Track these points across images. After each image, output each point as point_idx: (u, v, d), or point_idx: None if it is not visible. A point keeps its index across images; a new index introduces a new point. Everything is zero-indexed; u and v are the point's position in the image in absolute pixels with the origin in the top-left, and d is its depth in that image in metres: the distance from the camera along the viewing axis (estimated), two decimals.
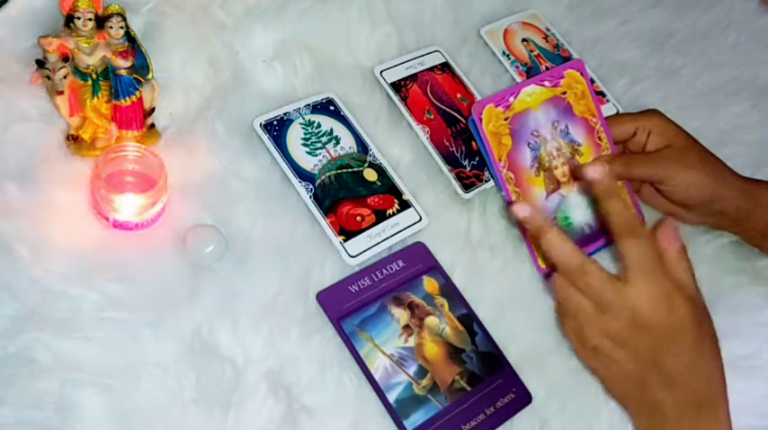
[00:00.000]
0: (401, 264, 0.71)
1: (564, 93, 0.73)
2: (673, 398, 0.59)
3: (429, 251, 0.73)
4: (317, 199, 0.72)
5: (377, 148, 0.77)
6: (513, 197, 0.71)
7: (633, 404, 0.63)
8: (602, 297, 0.59)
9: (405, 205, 0.74)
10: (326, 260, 0.70)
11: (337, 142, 0.76)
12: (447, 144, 0.79)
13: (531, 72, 0.87)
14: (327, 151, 0.75)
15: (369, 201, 0.73)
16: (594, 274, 0.59)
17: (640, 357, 0.59)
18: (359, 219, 0.72)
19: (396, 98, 0.80)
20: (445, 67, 0.84)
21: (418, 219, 0.74)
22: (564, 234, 0.61)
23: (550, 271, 0.72)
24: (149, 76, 0.68)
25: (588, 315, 0.60)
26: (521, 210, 0.62)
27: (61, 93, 0.66)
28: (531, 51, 0.89)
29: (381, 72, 0.82)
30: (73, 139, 0.68)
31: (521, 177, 0.72)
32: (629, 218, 0.60)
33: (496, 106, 0.71)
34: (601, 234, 0.74)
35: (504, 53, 0.88)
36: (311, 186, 0.72)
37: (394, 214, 0.73)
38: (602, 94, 0.88)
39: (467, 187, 0.77)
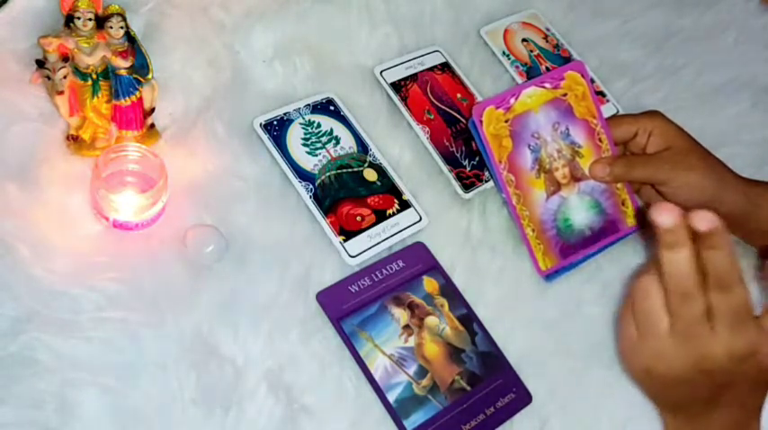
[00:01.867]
0: (401, 264, 0.71)
1: (564, 94, 0.73)
2: (726, 420, 0.59)
3: (429, 251, 0.73)
4: (317, 199, 0.72)
5: (377, 148, 0.77)
6: (514, 199, 0.71)
7: (669, 410, 0.63)
8: (687, 330, 0.56)
9: (405, 205, 0.74)
10: (326, 260, 0.70)
11: (337, 142, 0.76)
12: (447, 144, 0.79)
13: (531, 72, 0.87)
14: (327, 151, 0.75)
15: (369, 201, 0.73)
16: (696, 309, 0.55)
17: (694, 389, 0.59)
18: (359, 219, 0.72)
19: (396, 98, 0.80)
20: (445, 67, 0.84)
21: (418, 219, 0.74)
22: (694, 257, 0.54)
23: (550, 273, 0.72)
24: (149, 76, 0.68)
25: (658, 338, 0.57)
26: (664, 219, 0.54)
27: (61, 93, 0.66)
28: (531, 51, 0.89)
29: (381, 72, 0.82)
30: (73, 139, 0.68)
31: (521, 179, 0.72)
32: (739, 265, 0.55)
33: (497, 108, 0.70)
34: (601, 236, 0.74)
35: (504, 53, 0.88)
36: (311, 186, 0.72)
37: (394, 214, 0.73)
38: (602, 94, 0.88)
39: (467, 187, 0.77)
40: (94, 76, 0.67)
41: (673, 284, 0.55)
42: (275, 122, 0.75)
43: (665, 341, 0.57)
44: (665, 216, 0.53)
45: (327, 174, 0.74)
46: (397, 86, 0.81)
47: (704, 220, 0.53)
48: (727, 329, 0.55)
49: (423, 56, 0.84)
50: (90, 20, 0.64)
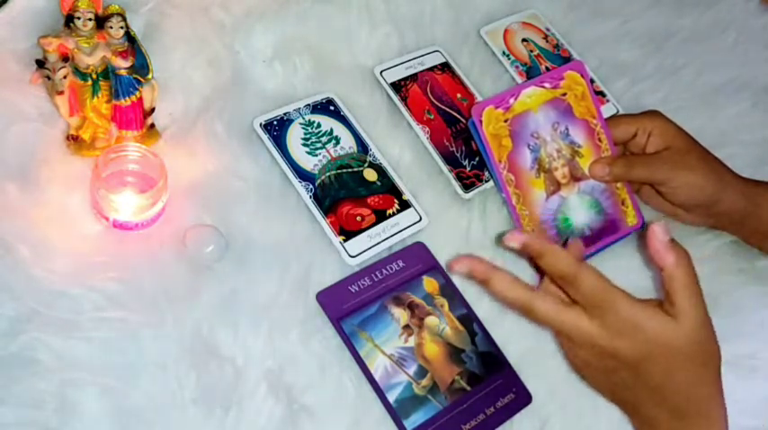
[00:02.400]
0: (401, 264, 0.71)
1: (564, 94, 0.73)
2: (663, 410, 0.59)
3: (429, 251, 0.73)
4: (317, 199, 0.72)
5: (377, 148, 0.77)
6: (514, 199, 0.71)
7: (627, 411, 0.64)
8: (559, 328, 0.59)
9: (405, 205, 0.74)
10: (326, 260, 0.70)
11: (337, 142, 0.76)
12: (447, 144, 0.79)
13: (531, 72, 0.87)
14: (327, 151, 0.75)
15: (369, 201, 0.73)
16: (540, 313, 0.58)
17: (617, 379, 0.60)
18: (359, 219, 0.72)
19: (396, 98, 0.80)
20: (445, 67, 0.84)
21: (418, 219, 0.74)
22: (509, 275, 0.59)
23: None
24: (149, 76, 0.68)
25: (564, 345, 0.62)
26: (460, 269, 0.60)
27: (61, 93, 0.66)
28: (531, 51, 0.89)
29: (381, 72, 0.82)
30: (73, 139, 0.68)
31: (521, 179, 0.72)
32: (570, 259, 0.59)
33: (496, 108, 0.70)
34: (601, 235, 0.74)
35: (504, 53, 0.88)
36: (311, 186, 0.72)
37: (394, 214, 0.74)
38: (602, 93, 0.88)
39: (467, 187, 0.77)
40: (94, 76, 0.67)
41: (515, 310, 0.60)
42: (275, 122, 0.75)
43: (568, 344, 0.61)
44: (459, 267, 0.59)
45: (327, 174, 0.74)
46: (397, 86, 0.81)
47: (513, 241, 0.59)
48: (594, 310, 0.57)
49: (423, 56, 0.84)
50: (90, 20, 0.64)
